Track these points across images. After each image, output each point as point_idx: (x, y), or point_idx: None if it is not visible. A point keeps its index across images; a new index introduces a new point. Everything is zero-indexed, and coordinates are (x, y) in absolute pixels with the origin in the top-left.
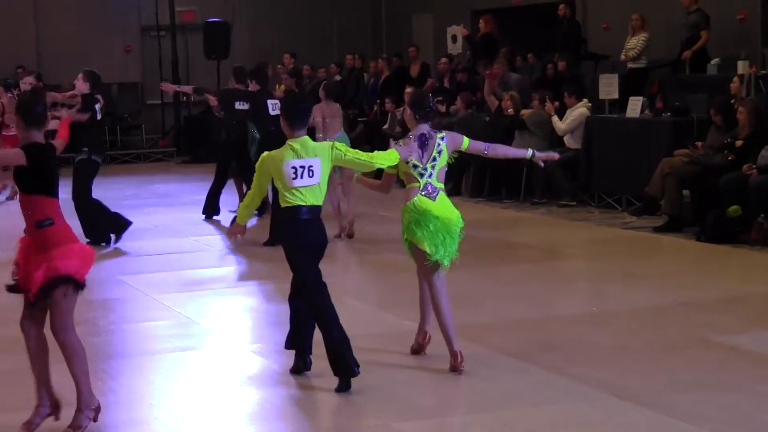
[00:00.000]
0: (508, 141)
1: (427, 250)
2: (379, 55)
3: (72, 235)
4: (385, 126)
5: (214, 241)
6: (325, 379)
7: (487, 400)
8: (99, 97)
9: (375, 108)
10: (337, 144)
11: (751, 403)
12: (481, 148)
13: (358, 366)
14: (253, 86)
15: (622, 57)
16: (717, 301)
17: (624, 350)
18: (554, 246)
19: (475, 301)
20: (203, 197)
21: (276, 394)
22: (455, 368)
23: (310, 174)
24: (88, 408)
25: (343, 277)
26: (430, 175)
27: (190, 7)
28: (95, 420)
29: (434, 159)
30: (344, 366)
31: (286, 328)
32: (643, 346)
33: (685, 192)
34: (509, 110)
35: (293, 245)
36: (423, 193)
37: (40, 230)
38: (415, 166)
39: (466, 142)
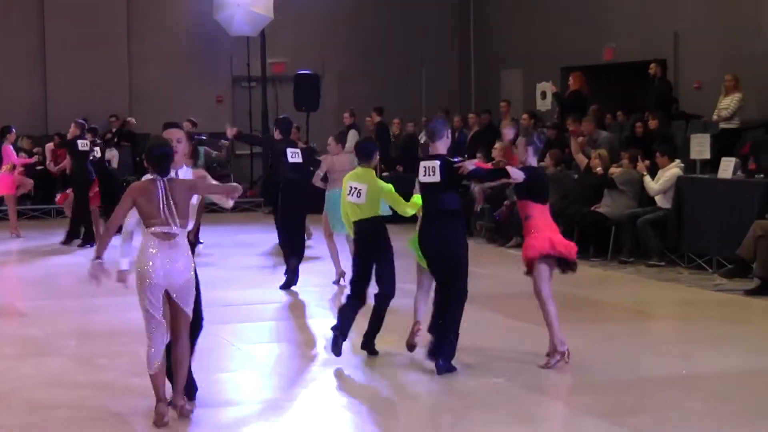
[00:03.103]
0: (596, 199)
1: None
2: (469, 111)
3: (543, 226)
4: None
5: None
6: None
7: None
8: None
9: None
10: None
11: None
12: None
13: None
14: (277, 135)
15: (715, 117)
16: None
17: (715, 415)
18: (643, 306)
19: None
20: None
21: None
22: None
23: None
24: (562, 343)
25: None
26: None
27: (281, 59)
28: (567, 359)
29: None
30: None
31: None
32: (734, 411)
33: None
34: (598, 168)
35: None
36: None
37: (527, 221)
38: None
39: None
